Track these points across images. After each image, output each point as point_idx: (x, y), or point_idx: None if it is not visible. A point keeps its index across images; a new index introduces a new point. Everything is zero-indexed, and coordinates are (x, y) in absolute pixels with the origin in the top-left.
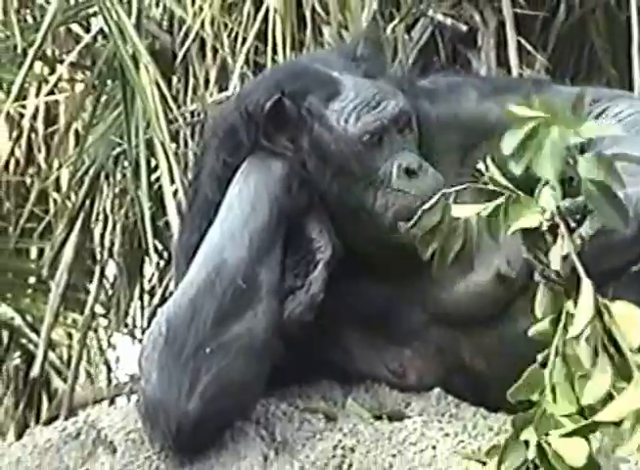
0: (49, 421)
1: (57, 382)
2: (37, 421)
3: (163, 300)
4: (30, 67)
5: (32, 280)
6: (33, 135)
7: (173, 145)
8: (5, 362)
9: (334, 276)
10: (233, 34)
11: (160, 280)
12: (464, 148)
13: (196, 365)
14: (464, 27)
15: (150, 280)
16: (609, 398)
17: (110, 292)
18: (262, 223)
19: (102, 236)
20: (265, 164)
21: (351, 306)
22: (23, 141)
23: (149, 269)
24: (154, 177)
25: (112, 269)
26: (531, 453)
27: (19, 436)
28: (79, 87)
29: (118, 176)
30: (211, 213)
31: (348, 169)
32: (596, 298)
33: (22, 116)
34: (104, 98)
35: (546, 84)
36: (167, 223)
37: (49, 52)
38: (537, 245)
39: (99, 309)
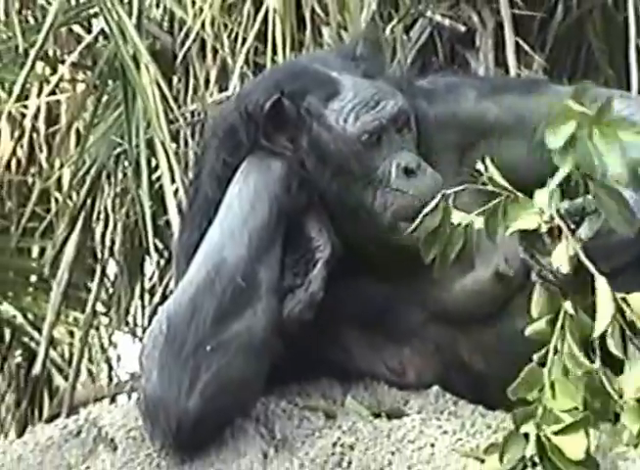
0: (50, 419)
1: (58, 380)
2: (39, 419)
3: (164, 298)
4: (32, 67)
5: (34, 279)
6: (35, 135)
7: (174, 145)
8: (7, 360)
9: (333, 275)
10: (233, 35)
11: (161, 279)
12: (462, 147)
13: (196, 363)
14: (462, 28)
15: (150, 279)
16: None
17: (111, 290)
18: (262, 222)
19: (103, 235)
20: (265, 164)
21: (350, 305)
22: (25, 141)
23: (149, 268)
24: (154, 177)
25: (112, 268)
26: (531, 449)
27: (20, 433)
28: (80, 87)
29: (119, 176)
30: (211, 213)
31: (347, 169)
32: (614, 294)
33: (23, 115)
34: (105, 98)
35: (544, 84)
36: (168, 222)
37: (50, 52)
38: (534, 245)
39: (100, 308)
